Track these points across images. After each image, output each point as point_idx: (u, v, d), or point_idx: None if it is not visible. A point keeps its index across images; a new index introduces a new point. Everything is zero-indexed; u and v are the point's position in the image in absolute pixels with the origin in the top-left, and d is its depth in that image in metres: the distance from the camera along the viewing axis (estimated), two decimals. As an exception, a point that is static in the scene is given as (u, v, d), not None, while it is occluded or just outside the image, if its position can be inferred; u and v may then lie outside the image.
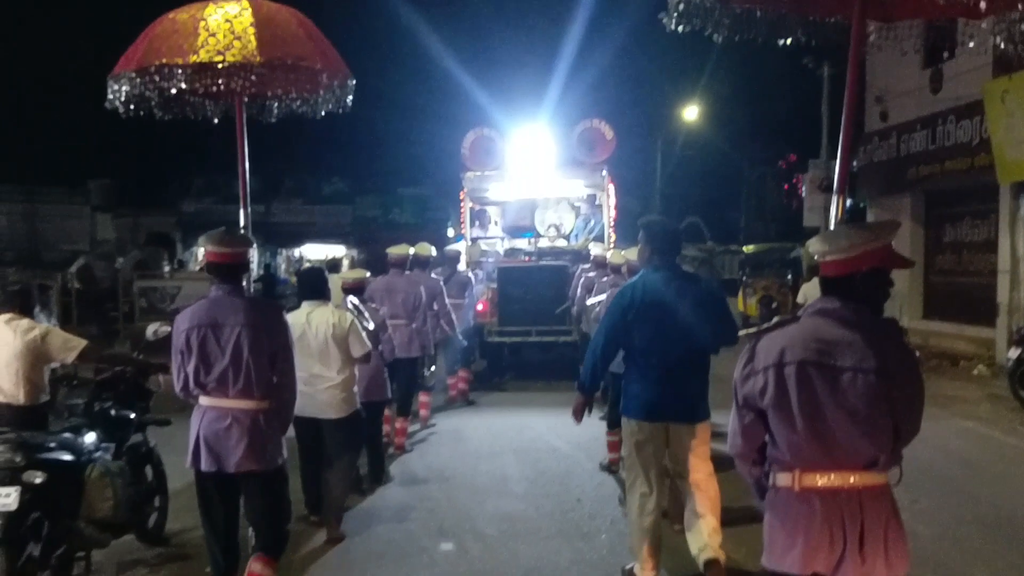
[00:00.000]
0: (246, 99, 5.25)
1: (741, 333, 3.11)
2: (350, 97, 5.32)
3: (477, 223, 14.80)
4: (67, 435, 4.99)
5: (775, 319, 3.03)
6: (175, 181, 37.78)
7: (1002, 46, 4.38)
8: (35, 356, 5.14)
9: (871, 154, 18.05)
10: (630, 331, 4.87)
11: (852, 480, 2.80)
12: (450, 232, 26.83)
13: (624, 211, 14.67)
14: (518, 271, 12.89)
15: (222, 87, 4.96)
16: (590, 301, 9.06)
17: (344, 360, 6.00)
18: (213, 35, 4.45)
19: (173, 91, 4.90)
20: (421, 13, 28.93)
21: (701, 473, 4.93)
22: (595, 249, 11.31)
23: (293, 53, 4.71)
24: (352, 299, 6.86)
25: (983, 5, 4.01)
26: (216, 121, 5.67)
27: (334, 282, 7.15)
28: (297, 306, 6.08)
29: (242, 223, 5.12)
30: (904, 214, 17.03)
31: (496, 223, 15.30)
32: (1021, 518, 6.46)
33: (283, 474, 4.57)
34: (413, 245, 9.48)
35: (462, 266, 12.38)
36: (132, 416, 5.58)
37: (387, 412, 8.17)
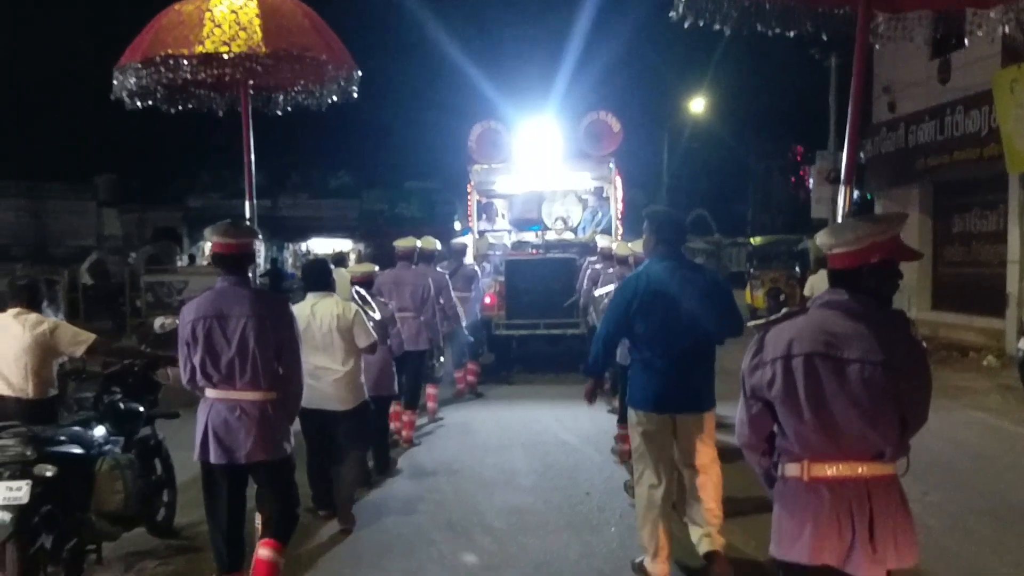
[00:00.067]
0: (251, 91, 5.25)
1: (749, 324, 3.11)
2: (355, 89, 5.31)
3: (484, 216, 14.79)
4: (77, 429, 5.00)
5: (783, 311, 3.03)
6: (181, 176, 37.86)
7: (1010, 34, 4.35)
8: (44, 350, 5.16)
9: (879, 145, 17.98)
10: (635, 321, 4.87)
11: (860, 471, 2.81)
12: (457, 225, 26.82)
13: (631, 203, 14.67)
14: (526, 264, 12.88)
15: (227, 78, 4.96)
16: (598, 292, 9.05)
17: (349, 351, 6.00)
18: (218, 26, 4.45)
19: (179, 82, 4.91)
20: (427, 5, 28.90)
21: (706, 457, 4.96)
22: (602, 241, 11.30)
23: (299, 44, 4.70)
24: (357, 289, 6.86)
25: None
26: (221, 114, 5.66)
27: (342, 277, 7.16)
28: (303, 299, 6.08)
29: (248, 215, 5.12)
30: (912, 205, 16.98)
31: (503, 216, 15.30)
32: (1031, 509, 6.44)
33: (291, 463, 4.62)
34: (419, 239, 9.49)
35: (468, 259, 12.39)
36: (141, 409, 5.60)
37: (395, 408, 8.19)
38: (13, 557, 4.27)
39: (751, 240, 28.40)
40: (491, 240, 14.20)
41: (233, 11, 4.50)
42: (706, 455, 4.96)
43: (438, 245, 10.15)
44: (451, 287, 9.74)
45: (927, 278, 17.25)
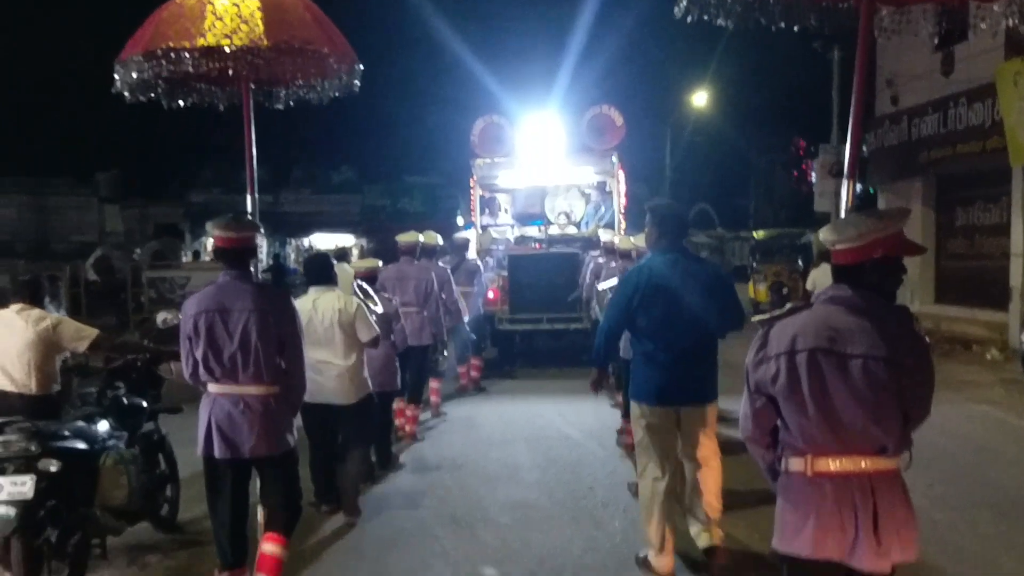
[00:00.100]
0: (252, 84, 5.24)
1: (754, 319, 3.11)
2: (357, 83, 5.30)
3: (487, 211, 14.79)
4: (80, 423, 5.02)
5: (787, 306, 3.04)
6: (182, 172, 37.89)
7: (1014, 27, 4.33)
8: (47, 345, 5.16)
9: (882, 138, 17.93)
10: (637, 314, 4.87)
11: (863, 465, 2.82)
12: (460, 220, 26.83)
13: (634, 198, 14.65)
14: (529, 259, 12.88)
15: (229, 71, 4.95)
16: (600, 287, 9.05)
17: (351, 346, 5.99)
18: (220, 19, 4.44)
19: (180, 76, 4.90)
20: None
21: (707, 449, 4.98)
22: (605, 236, 11.29)
23: (300, 37, 4.69)
24: (359, 282, 6.86)
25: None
26: (223, 109, 5.65)
27: (344, 272, 7.15)
28: (305, 293, 6.08)
29: (250, 211, 5.11)
30: (915, 198, 16.94)
31: (506, 210, 15.29)
32: (1035, 502, 6.44)
33: (295, 456, 4.63)
34: (421, 233, 9.48)
35: (471, 254, 12.38)
36: (144, 404, 5.61)
37: (399, 404, 8.20)
38: (18, 551, 4.29)
39: (754, 234, 28.31)
40: (494, 235, 14.18)
41: (235, 4, 4.50)
42: (708, 446, 4.98)
43: (440, 240, 10.14)
44: (454, 282, 9.74)
45: (930, 271, 17.22)
